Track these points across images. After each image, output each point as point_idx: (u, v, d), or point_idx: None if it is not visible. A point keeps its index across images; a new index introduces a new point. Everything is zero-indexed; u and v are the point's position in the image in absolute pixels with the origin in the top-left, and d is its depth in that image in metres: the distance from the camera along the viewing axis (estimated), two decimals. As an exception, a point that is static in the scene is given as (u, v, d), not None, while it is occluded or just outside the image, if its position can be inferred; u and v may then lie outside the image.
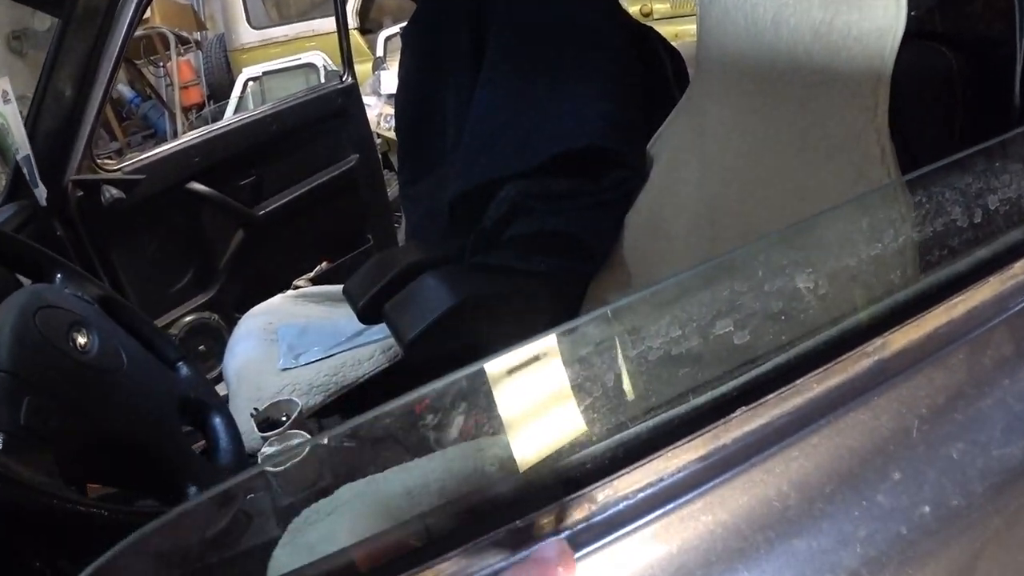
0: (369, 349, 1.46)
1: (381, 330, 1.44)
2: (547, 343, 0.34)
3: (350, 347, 1.47)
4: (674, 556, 0.35)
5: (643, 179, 1.30)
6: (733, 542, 0.36)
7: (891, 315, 0.43)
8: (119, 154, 2.02)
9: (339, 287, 1.57)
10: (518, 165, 1.36)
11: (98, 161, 1.90)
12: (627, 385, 0.36)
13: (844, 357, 0.41)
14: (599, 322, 0.34)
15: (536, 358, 0.35)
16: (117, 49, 1.77)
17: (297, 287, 1.88)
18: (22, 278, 1.11)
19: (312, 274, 2.03)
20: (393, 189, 2.81)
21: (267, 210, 2.28)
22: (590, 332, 0.35)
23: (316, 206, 2.39)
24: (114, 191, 1.91)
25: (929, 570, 0.39)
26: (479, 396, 0.34)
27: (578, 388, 0.36)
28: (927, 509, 0.39)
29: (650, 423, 0.37)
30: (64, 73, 1.73)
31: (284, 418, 1.23)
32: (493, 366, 0.34)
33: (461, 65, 1.59)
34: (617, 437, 0.37)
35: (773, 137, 0.97)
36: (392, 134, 3.40)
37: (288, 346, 1.49)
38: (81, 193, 1.85)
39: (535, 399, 0.35)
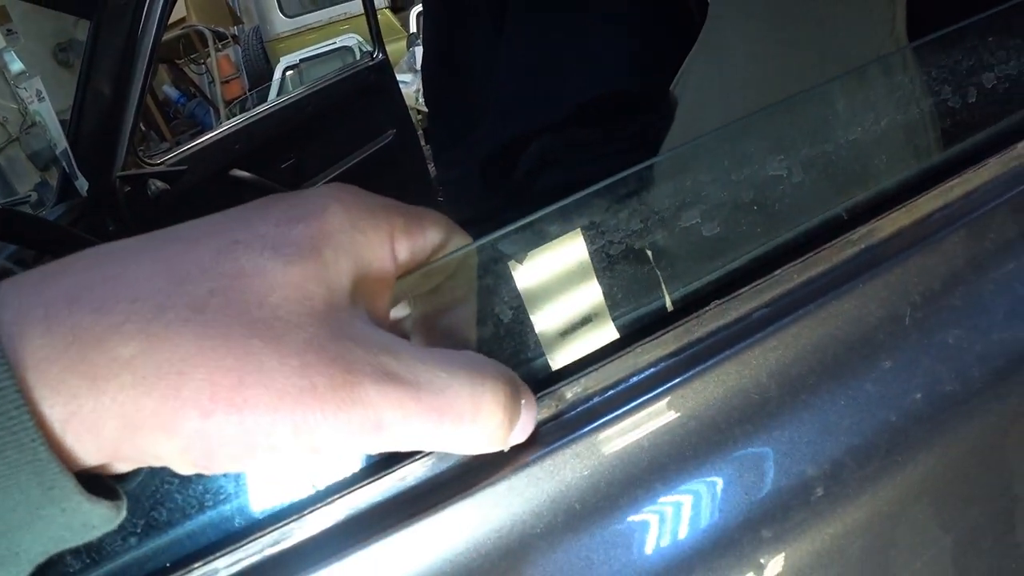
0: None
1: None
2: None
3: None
4: (645, 450, 0.34)
5: (669, 123, 1.27)
6: (708, 434, 0.35)
7: (879, 201, 0.41)
8: (168, 153, 2.10)
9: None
10: (546, 118, 1.35)
11: (142, 156, 1.95)
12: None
13: (827, 246, 0.39)
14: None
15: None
16: (150, 45, 1.80)
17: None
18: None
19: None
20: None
21: (309, 191, 2.32)
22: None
23: (357, 183, 2.40)
24: (159, 183, 1.97)
25: (920, 458, 0.37)
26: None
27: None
28: (919, 396, 0.38)
29: (618, 321, 0.37)
30: (101, 74, 1.78)
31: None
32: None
33: (483, 23, 1.57)
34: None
35: (794, 67, 0.93)
36: (430, 109, 3.39)
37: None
38: (128, 188, 1.91)
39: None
